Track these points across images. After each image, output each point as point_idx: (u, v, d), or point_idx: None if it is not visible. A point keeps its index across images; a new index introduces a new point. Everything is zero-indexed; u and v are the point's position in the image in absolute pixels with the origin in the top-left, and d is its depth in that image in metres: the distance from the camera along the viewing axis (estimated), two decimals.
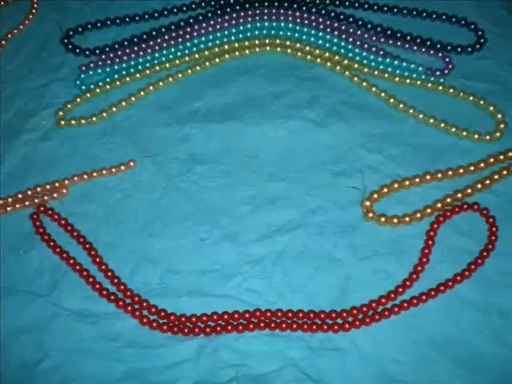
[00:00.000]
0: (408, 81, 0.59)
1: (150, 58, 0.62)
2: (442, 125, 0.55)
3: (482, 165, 0.52)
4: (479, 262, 0.47)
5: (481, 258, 0.47)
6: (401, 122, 0.56)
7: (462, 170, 0.52)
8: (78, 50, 0.63)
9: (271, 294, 0.46)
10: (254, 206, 0.51)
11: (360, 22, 0.64)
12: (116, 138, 0.56)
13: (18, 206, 0.51)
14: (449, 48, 0.61)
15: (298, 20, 0.63)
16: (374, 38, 0.63)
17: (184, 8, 0.67)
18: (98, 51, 0.63)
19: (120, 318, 0.45)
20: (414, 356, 0.43)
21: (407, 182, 0.51)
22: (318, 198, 0.51)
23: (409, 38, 0.62)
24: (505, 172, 0.52)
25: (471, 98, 0.57)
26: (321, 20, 0.63)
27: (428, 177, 0.52)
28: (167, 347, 0.44)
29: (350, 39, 0.62)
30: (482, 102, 0.57)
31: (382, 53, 0.61)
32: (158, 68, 0.62)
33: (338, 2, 0.66)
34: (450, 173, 0.52)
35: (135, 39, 0.63)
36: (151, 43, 0.63)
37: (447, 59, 0.60)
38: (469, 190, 0.50)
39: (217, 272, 0.47)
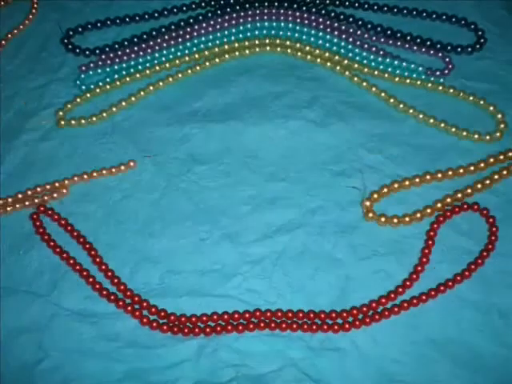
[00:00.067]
0: (408, 81, 0.59)
1: (150, 58, 0.62)
2: (442, 125, 0.55)
3: (482, 165, 0.52)
4: (479, 262, 0.47)
5: (481, 258, 0.47)
6: (401, 122, 0.56)
7: (461, 170, 0.52)
8: (77, 50, 0.63)
9: (271, 294, 0.46)
10: (254, 206, 0.51)
11: (360, 22, 0.64)
12: (116, 138, 0.56)
13: (17, 206, 0.51)
14: (449, 48, 0.61)
15: (298, 20, 0.63)
16: (374, 38, 0.63)
17: (184, 8, 0.67)
18: (97, 51, 0.63)
19: (120, 317, 0.45)
20: (414, 356, 0.43)
21: (407, 182, 0.51)
22: (318, 198, 0.51)
23: (409, 37, 0.62)
24: (505, 172, 0.52)
25: (471, 98, 0.57)
26: (321, 20, 0.63)
27: (428, 177, 0.52)
28: (167, 347, 0.44)
29: (350, 39, 0.62)
30: (481, 102, 0.57)
31: (381, 53, 0.61)
32: (157, 68, 0.62)
33: (337, 2, 0.66)
34: (450, 173, 0.52)
35: (135, 39, 0.63)
36: (151, 43, 0.63)
37: (447, 59, 0.60)
38: (469, 190, 0.50)
39: (217, 272, 0.47)
